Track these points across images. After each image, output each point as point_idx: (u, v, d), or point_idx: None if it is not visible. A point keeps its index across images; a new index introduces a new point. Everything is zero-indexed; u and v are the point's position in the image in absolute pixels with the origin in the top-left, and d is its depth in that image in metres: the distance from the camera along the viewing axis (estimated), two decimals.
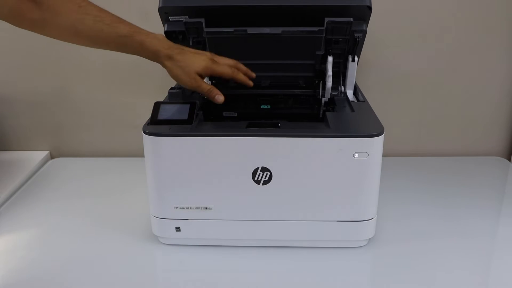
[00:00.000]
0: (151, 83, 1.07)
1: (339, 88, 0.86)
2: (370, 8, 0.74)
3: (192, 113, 0.71)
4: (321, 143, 0.66)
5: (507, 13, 1.01)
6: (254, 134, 0.67)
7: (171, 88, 0.82)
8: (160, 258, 0.75)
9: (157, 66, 1.08)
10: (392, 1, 1.00)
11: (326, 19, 0.73)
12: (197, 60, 0.69)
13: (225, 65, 0.72)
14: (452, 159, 1.10)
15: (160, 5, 0.76)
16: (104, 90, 1.09)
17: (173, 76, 0.71)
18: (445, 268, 0.71)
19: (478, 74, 1.06)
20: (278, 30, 0.73)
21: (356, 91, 0.86)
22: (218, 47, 0.77)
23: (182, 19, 0.76)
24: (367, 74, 1.05)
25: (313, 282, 0.68)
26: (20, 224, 0.84)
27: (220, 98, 0.72)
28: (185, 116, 0.70)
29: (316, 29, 0.73)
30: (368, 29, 1.06)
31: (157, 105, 0.72)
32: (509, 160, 1.11)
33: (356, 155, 0.66)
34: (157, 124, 0.69)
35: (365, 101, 0.81)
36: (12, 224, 0.84)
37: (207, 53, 0.72)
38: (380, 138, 0.67)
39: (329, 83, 0.79)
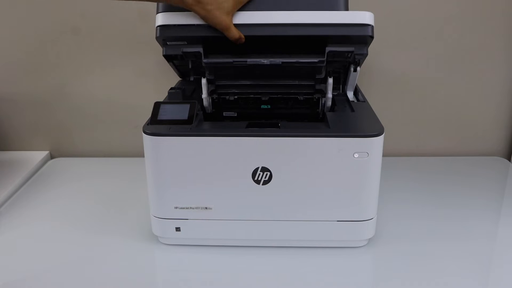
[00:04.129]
0: (151, 83, 1.07)
1: (340, 88, 0.86)
2: (372, 37, 0.73)
3: (192, 113, 0.71)
4: (321, 143, 0.66)
5: (507, 13, 1.01)
6: (254, 134, 0.67)
7: (171, 88, 0.82)
8: (160, 258, 0.75)
9: (157, 66, 1.09)
10: (392, 1, 1.00)
11: (327, 49, 0.73)
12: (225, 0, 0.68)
13: None
14: (452, 159, 1.10)
15: (157, 35, 0.74)
16: (104, 90, 1.09)
17: (203, 18, 0.70)
18: (445, 268, 0.71)
19: (478, 74, 1.06)
20: (278, 61, 0.73)
21: (356, 91, 0.86)
22: (217, 72, 0.78)
23: (180, 44, 0.76)
24: (368, 74, 1.05)
25: (313, 282, 0.68)
26: (20, 224, 0.84)
27: (241, 41, 0.72)
28: (185, 116, 0.70)
29: (316, 59, 0.73)
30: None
31: (157, 105, 0.72)
32: (509, 160, 1.11)
33: (356, 155, 0.66)
34: (157, 124, 0.69)
35: (365, 101, 0.81)
36: (12, 224, 0.84)
37: None
38: (380, 138, 0.67)
39: (328, 103, 0.79)
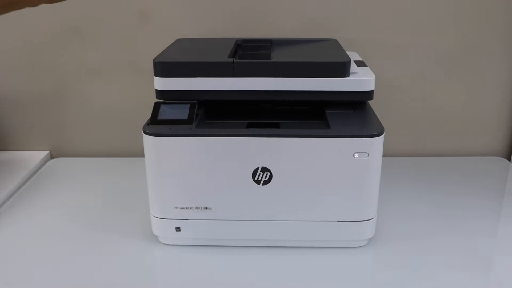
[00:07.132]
0: (151, 83, 1.07)
1: None
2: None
3: (192, 113, 0.71)
4: (321, 143, 0.66)
5: (507, 13, 1.01)
6: (254, 134, 0.67)
7: None
8: (160, 258, 0.75)
9: None
10: (391, 1, 1.00)
11: (326, 112, 0.73)
12: None
13: None
14: (452, 159, 1.10)
15: (157, 97, 0.74)
16: (104, 90, 1.09)
17: None
18: (445, 268, 0.71)
19: (478, 74, 1.06)
20: (276, 127, 0.72)
21: None
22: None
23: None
24: None
25: (313, 282, 0.68)
26: (20, 224, 0.84)
27: None
28: (185, 116, 0.70)
29: (315, 122, 0.74)
30: (367, 29, 1.06)
31: (157, 105, 0.72)
32: (509, 160, 1.11)
33: (356, 155, 0.66)
34: (157, 124, 0.69)
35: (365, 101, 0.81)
36: (12, 224, 0.84)
37: None
38: (380, 138, 0.67)
39: None
